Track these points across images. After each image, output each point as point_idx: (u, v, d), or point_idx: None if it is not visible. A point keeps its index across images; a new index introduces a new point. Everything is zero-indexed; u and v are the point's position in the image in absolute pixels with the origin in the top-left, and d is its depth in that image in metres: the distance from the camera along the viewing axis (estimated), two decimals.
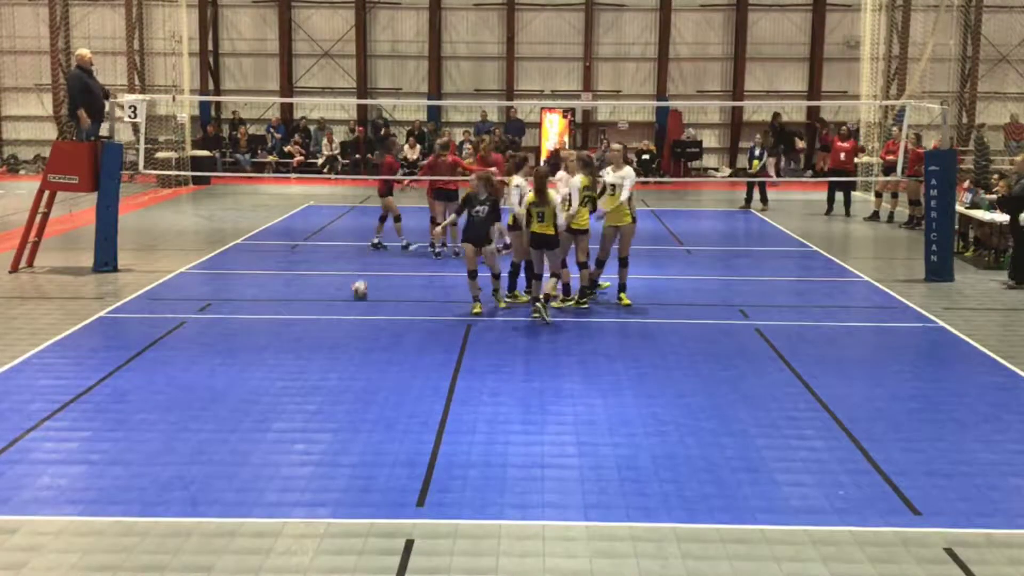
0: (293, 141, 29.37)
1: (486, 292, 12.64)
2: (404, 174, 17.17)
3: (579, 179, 12.51)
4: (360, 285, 12.90)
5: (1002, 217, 15.65)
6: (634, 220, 13.10)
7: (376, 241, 16.88)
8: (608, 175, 12.82)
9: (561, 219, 12.07)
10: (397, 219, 16.70)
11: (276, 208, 22.21)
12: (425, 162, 16.84)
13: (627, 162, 13.31)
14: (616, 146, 13.39)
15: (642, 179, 13.85)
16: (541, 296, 12.02)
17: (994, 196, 16.45)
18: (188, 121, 27.37)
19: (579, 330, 11.62)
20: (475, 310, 12.15)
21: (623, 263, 12.87)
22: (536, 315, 11.94)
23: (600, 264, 13.10)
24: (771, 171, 25.30)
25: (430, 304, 12.84)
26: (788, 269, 15.96)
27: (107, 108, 15.11)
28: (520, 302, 12.80)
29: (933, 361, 10.96)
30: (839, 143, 22.01)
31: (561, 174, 13.14)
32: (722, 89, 30.93)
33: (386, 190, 16.67)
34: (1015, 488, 7.28)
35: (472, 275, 12.17)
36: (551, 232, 11.99)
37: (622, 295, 12.86)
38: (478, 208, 12.20)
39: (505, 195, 13.60)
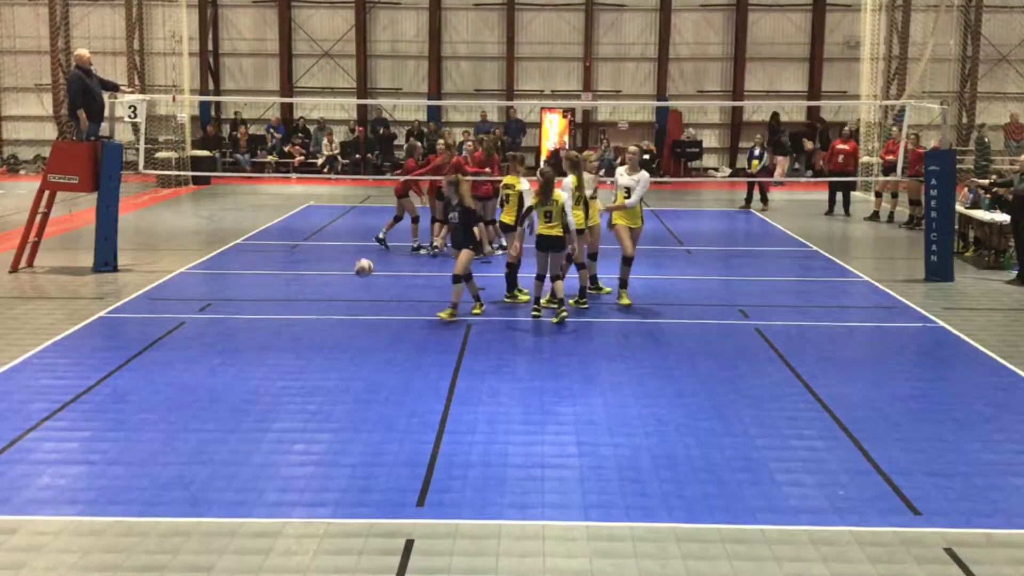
0: (292, 141, 29.39)
1: (491, 292, 12.64)
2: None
3: (570, 179, 12.49)
4: (365, 264, 12.02)
5: (1002, 217, 15.67)
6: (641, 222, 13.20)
7: (381, 236, 16.87)
8: (623, 177, 12.70)
9: (571, 218, 11.98)
10: (415, 220, 16.71)
11: (276, 208, 22.22)
12: (426, 162, 16.79)
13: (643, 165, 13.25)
14: (634, 148, 13.17)
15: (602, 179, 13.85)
16: (558, 298, 11.90)
17: (987, 182, 16.45)
18: (188, 121, 27.38)
19: (579, 330, 11.63)
20: (475, 311, 12.15)
21: (627, 262, 12.80)
22: (536, 314, 11.95)
23: (628, 262, 12.78)
24: (780, 173, 25.23)
25: (430, 304, 12.82)
26: (788, 269, 15.96)
27: (106, 109, 15.11)
28: (520, 302, 12.80)
29: (933, 361, 10.96)
30: (839, 145, 22.02)
31: (587, 176, 13.07)
32: (722, 89, 30.94)
33: (404, 191, 16.68)
34: (1015, 488, 7.28)
35: (467, 278, 12.09)
36: (558, 233, 11.86)
37: (622, 292, 12.85)
38: (452, 214, 12.14)
39: (508, 197, 13.53)
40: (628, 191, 12.61)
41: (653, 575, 5.98)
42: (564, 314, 11.82)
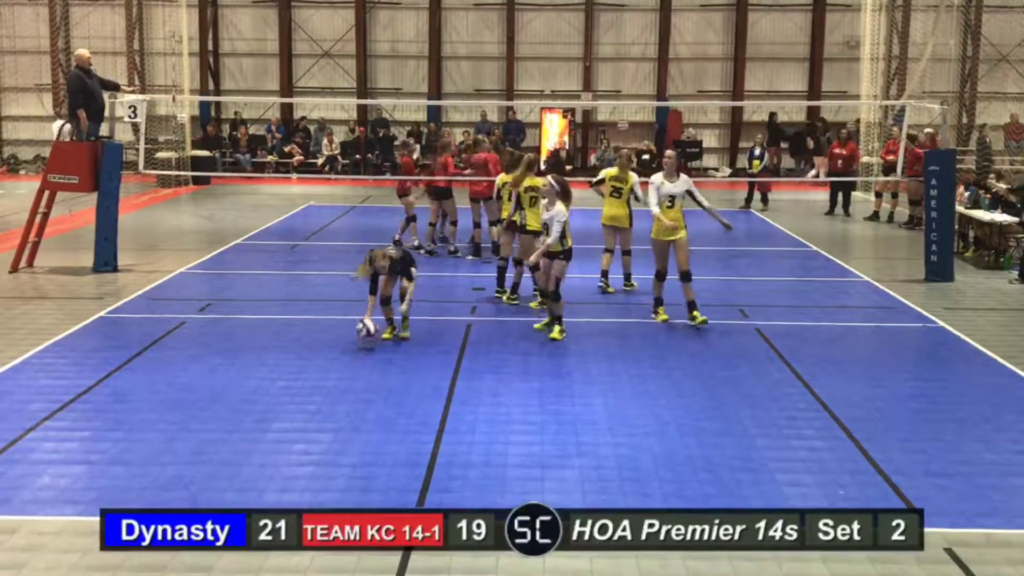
0: (293, 141, 29.38)
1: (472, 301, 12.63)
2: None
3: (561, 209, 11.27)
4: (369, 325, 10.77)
5: (1002, 217, 15.67)
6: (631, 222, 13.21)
7: (397, 238, 16.90)
8: (664, 185, 11.72)
9: (656, 209, 11.66)
10: (412, 219, 16.75)
11: (276, 208, 22.21)
12: (429, 163, 16.83)
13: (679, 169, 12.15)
14: (670, 153, 12.28)
15: (643, 179, 13.68)
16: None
17: (1003, 187, 16.35)
18: (188, 121, 27.38)
19: (579, 330, 11.60)
20: (386, 335, 11.08)
21: (686, 277, 11.85)
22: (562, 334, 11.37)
23: (662, 278, 12.04)
24: (816, 173, 25.26)
25: (430, 304, 12.81)
26: (788, 269, 15.96)
27: (106, 109, 15.11)
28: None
29: (933, 361, 10.96)
30: (836, 148, 22.03)
31: (657, 177, 11.94)
32: (722, 89, 30.93)
33: (404, 190, 16.75)
34: (1015, 488, 7.28)
35: (385, 301, 11.09)
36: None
37: (695, 313, 11.74)
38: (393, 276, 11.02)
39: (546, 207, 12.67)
40: (672, 199, 11.75)
41: (653, 575, 5.98)
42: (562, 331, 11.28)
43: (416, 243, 16.66)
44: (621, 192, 13.39)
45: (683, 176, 11.94)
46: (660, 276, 12.08)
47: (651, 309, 12.20)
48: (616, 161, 13.80)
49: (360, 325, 10.62)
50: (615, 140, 29.27)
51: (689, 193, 11.82)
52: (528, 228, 12.41)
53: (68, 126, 15.03)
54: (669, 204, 11.81)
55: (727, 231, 12.16)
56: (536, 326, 11.53)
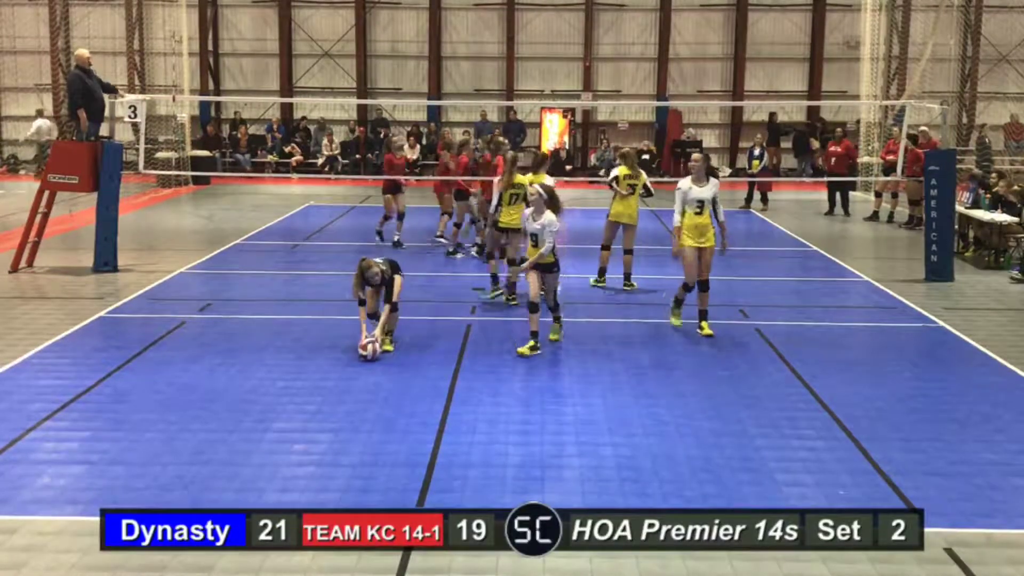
0: (293, 141, 29.38)
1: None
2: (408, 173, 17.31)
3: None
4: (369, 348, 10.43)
5: (1002, 217, 15.67)
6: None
7: (397, 238, 16.95)
8: (692, 190, 11.12)
9: (677, 219, 11.09)
10: (388, 218, 16.89)
11: (276, 208, 22.21)
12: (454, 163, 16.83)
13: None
14: (697, 156, 11.42)
15: (652, 178, 13.72)
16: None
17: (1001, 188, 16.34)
18: (188, 121, 27.37)
19: (579, 330, 11.61)
20: (387, 347, 10.77)
21: (704, 287, 11.41)
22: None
23: (690, 289, 11.51)
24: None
25: (430, 304, 12.83)
26: (788, 269, 15.96)
27: (106, 109, 15.11)
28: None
29: (933, 361, 10.95)
30: (832, 147, 22.04)
31: (684, 182, 11.32)
32: (722, 89, 30.94)
33: (386, 187, 16.88)
34: (1015, 488, 7.28)
35: (373, 315, 10.86)
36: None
37: (704, 323, 11.41)
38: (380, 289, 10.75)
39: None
40: (701, 205, 11.12)
41: (653, 575, 5.98)
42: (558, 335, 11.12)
43: (378, 237, 16.84)
44: (635, 189, 13.47)
45: (713, 180, 11.27)
46: (688, 288, 11.56)
47: (670, 308, 11.87)
48: (623, 160, 13.69)
49: (360, 356, 10.33)
50: (615, 140, 29.25)
51: (713, 200, 11.17)
52: (499, 224, 12.54)
53: (46, 123, 15.06)
54: (698, 210, 11.13)
55: (721, 252, 11.64)
56: (521, 350, 10.58)
